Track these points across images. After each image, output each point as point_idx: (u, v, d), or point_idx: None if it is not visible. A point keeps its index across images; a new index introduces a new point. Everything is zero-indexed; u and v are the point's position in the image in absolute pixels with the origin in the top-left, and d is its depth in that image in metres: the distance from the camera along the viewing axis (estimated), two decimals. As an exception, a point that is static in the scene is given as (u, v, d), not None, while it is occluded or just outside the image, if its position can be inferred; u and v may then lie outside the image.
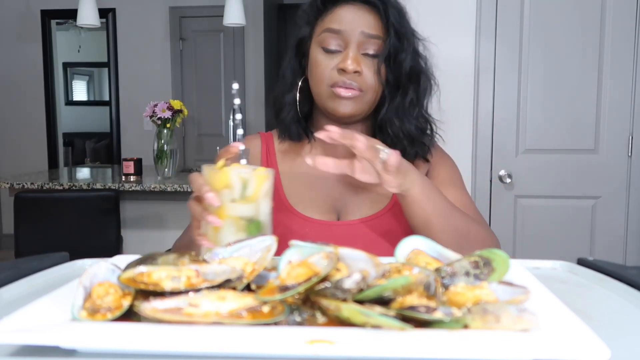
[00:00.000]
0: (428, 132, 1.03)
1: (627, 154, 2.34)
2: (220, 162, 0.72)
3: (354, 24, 0.94)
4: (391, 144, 1.00)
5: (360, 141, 0.77)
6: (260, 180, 0.71)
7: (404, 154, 1.00)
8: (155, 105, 2.93)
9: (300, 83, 1.02)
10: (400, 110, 0.98)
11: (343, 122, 1.00)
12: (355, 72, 0.93)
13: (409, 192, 0.84)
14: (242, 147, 0.78)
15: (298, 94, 1.01)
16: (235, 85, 0.83)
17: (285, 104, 1.02)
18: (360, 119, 1.01)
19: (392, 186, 0.82)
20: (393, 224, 0.98)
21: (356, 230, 0.98)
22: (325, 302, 0.46)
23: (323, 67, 0.96)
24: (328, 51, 0.95)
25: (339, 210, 1.01)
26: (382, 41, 0.95)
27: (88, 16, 3.40)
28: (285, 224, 0.97)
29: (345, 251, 0.52)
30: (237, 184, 0.70)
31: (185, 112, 3.02)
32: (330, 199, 1.01)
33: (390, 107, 0.98)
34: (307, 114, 1.05)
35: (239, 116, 0.82)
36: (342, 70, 0.93)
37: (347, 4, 0.96)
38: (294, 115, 1.02)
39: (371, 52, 0.95)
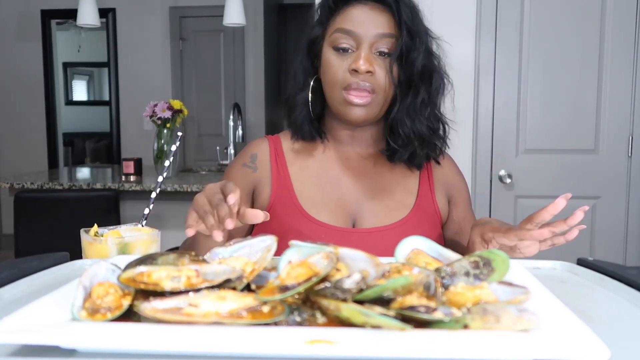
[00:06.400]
0: (440, 132, 1.01)
1: (627, 154, 2.34)
2: (94, 228, 0.72)
3: (367, 24, 0.93)
4: (402, 145, 0.99)
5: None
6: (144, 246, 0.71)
7: (415, 155, 1.00)
8: (155, 105, 2.93)
9: (312, 83, 1.00)
10: (412, 110, 0.97)
11: (355, 125, 1.00)
12: (368, 72, 0.92)
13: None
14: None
15: (310, 94, 1.00)
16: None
17: (297, 104, 1.01)
18: (371, 123, 1.01)
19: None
20: (414, 234, 0.97)
21: (375, 239, 0.95)
22: (325, 302, 0.46)
23: (336, 68, 0.95)
24: (340, 51, 0.94)
25: (353, 217, 0.98)
26: (394, 39, 0.94)
27: (88, 16, 3.40)
28: (299, 229, 0.95)
29: (345, 251, 0.52)
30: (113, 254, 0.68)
31: (185, 112, 3.02)
32: (344, 204, 0.99)
33: (402, 106, 0.97)
34: (320, 114, 1.04)
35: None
36: (355, 71, 0.92)
37: (360, 3, 0.95)
38: (306, 114, 1.01)
39: (384, 50, 0.94)
